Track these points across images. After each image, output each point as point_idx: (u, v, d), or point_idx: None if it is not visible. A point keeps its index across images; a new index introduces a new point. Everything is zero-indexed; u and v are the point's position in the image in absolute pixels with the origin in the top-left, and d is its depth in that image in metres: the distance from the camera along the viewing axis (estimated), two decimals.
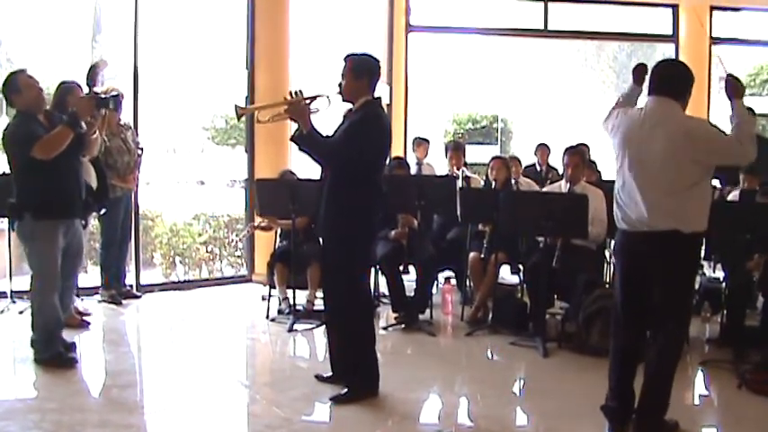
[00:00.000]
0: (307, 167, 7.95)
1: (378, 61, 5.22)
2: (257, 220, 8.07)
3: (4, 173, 7.71)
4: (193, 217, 11.00)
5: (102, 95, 5.93)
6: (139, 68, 8.38)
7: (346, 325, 5.21)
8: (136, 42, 8.37)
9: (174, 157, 12.35)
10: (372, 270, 7.35)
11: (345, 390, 5.14)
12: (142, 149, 7.98)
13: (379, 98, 5.22)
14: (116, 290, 7.87)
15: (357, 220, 5.02)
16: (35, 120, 5.55)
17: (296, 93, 5.00)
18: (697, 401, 5.58)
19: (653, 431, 4.45)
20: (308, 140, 4.95)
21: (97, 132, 6.01)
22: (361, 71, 5.03)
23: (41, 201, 5.50)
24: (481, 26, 11.79)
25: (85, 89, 6.55)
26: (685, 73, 4.52)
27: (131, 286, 8.34)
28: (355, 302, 5.16)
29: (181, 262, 10.72)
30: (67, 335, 6.02)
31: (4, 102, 5.71)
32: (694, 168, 4.27)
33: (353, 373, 5.20)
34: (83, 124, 5.57)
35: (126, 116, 7.93)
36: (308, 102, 4.99)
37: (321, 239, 5.47)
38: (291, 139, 5.05)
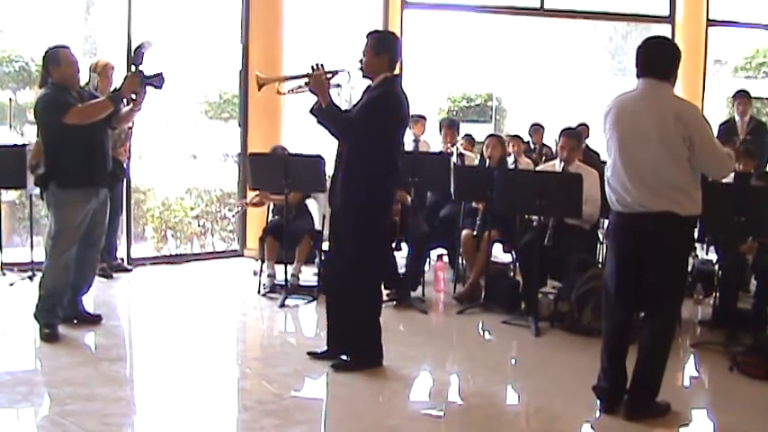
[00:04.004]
0: (299, 143, 7.95)
1: (399, 40, 5.32)
2: (249, 195, 8.02)
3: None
4: (186, 191, 10.96)
5: (148, 74, 5.95)
6: (133, 41, 8.26)
7: (356, 294, 5.18)
8: (130, 15, 8.26)
9: (167, 131, 12.30)
10: None
11: (349, 358, 5.18)
12: (132, 122, 7.91)
13: (399, 75, 5.29)
14: (107, 263, 7.81)
15: (373, 194, 5.06)
16: (68, 92, 5.67)
17: (318, 66, 5.04)
18: (688, 383, 5.59)
19: (644, 412, 4.45)
20: (326, 114, 5.02)
21: (140, 108, 6.08)
22: (381, 48, 5.10)
23: (67, 170, 5.63)
24: (477, 4, 11.69)
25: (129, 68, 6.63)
26: (671, 51, 4.48)
27: (122, 259, 8.30)
28: (367, 273, 5.18)
29: (172, 236, 10.69)
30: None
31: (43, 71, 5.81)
32: (686, 150, 4.24)
33: (357, 344, 5.23)
34: (123, 102, 5.75)
35: None
36: (329, 76, 5.06)
37: (332, 210, 5.39)
38: (310, 112, 5.07)
